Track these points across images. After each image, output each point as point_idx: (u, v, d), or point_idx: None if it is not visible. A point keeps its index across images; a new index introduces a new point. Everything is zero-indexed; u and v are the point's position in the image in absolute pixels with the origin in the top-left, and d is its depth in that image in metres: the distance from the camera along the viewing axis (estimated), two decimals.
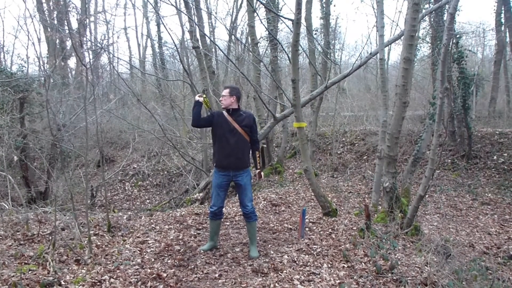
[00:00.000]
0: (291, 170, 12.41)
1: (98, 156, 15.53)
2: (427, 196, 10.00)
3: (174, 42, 11.30)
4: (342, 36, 22.91)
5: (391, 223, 6.50)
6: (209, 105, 5.53)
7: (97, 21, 23.86)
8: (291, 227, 6.54)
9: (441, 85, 5.81)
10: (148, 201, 13.35)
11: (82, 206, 8.34)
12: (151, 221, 6.53)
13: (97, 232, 5.69)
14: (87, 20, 20.84)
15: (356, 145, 14.04)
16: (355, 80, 26.86)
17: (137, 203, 13.28)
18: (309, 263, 4.92)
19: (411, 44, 6.00)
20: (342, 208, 8.36)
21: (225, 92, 5.05)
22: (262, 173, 5.51)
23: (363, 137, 14.31)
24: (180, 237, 5.76)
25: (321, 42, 12.89)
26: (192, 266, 4.67)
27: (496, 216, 9.11)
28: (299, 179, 11.31)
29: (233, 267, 4.78)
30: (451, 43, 8.53)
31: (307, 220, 6.82)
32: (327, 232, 6.19)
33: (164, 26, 9.07)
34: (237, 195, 5.31)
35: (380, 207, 7.31)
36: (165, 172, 14.34)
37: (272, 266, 4.76)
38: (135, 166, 15.02)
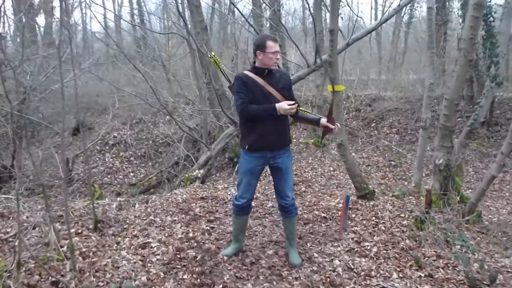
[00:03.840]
0: (295, 140, 11.06)
1: (74, 124, 13.89)
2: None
3: None
4: None
5: (445, 208, 5.32)
6: (220, 65, 4.08)
7: None
8: (324, 215, 5.27)
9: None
10: (132, 174, 11.89)
11: (58, 190, 6.87)
12: (148, 210, 5.13)
13: (80, 231, 4.27)
14: None
15: (362, 111, 12.77)
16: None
17: (120, 176, 11.80)
18: (372, 272, 3.68)
19: None
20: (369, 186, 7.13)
21: (277, 45, 3.58)
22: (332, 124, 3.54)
23: (369, 102, 13.04)
24: (191, 234, 4.40)
25: None
26: (220, 285, 3.36)
27: None
28: (306, 150, 10.02)
29: (274, 283, 3.49)
30: None
31: (340, 205, 5.57)
32: (373, 222, 4.97)
33: None
34: (274, 182, 3.94)
35: (425, 187, 6.09)
36: (150, 142, 12.80)
37: (326, 278, 3.53)
38: (116, 134, 13.40)
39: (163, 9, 21.57)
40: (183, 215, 5.01)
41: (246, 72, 3.66)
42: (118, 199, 5.55)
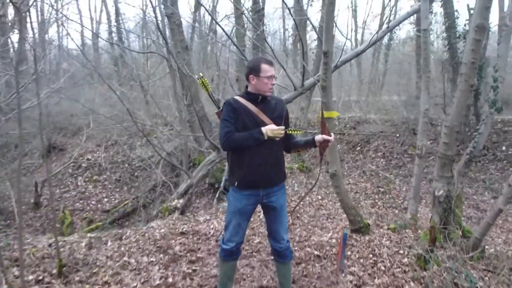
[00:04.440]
0: None
1: (45, 145, 13.16)
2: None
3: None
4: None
5: (447, 244, 4.93)
6: (209, 88, 3.63)
7: None
8: (317, 252, 4.80)
9: None
10: (105, 199, 11.23)
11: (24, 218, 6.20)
12: (122, 249, 4.58)
13: (41, 277, 3.71)
14: None
15: (347, 134, 12.47)
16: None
17: (93, 202, 11.14)
18: None
19: (488, 6, 4.35)
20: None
21: (273, 69, 3.17)
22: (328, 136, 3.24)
23: (354, 125, 12.76)
24: (170, 280, 3.89)
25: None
26: None
27: None
28: (291, 175, 9.59)
29: None
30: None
31: (333, 240, 5.14)
32: (371, 261, 4.53)
33: None
34: (266, 223, 3.47)
35: (425, 222, 5.73)
36: (126, 165, 12.19)
37: None
38: (89, 157, 12.75)
39: (142, 27, 21.17)
40: (162, 255, 4.49)
41: (237, 97, 3.22)
42: (88, 235, 4.96)
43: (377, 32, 7.26)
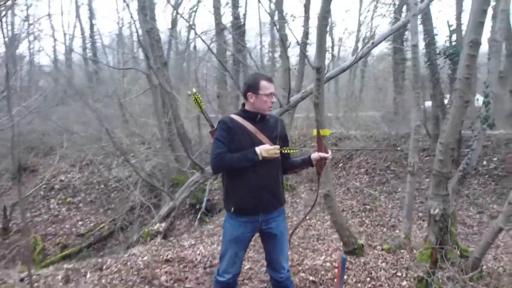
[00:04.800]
0: None
1: (15, 165, 12.56)
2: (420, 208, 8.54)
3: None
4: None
5: (445, 264, 4.76)
6: (202, 106, 3.36)
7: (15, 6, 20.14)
8: (312, 278, 4.54)
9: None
10: (80, 223, 10.72)
11: None
12: (103, 281, 4.22)
13: None
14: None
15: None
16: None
17: (66, 226, 10.62)
18: None
19: (481, 22, 4.27)
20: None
21: (272, 86, 2.96)
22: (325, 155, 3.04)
23: (335, 141, 12.65)
24: None
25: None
26: None
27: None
28: None
29: None
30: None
31: (327, 264, 4.90)
32: (369, 285, 4.32)
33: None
34: (265, 251, 3.21)
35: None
36: (102, 186, 11.70)
37: None
38: (63, 178, 12.20)
39: (118, 43, 20.78)
40: (147, 286, 4.15)
41: (233, 116, 2.98)
42: (65, 266, 4.58)
43: (362, 48, 7.21)
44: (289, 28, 6.77)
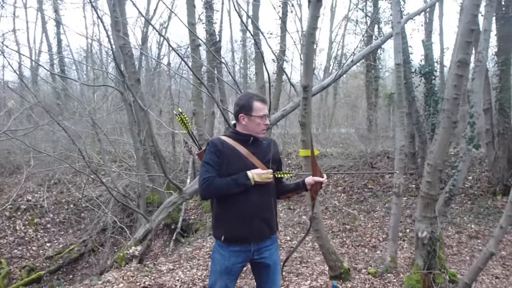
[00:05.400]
0: None
1: None
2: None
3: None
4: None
5: None
6: (189, 126, 3.15)
7: None
8: None
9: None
10: (48, 244, 10.18)
11: None
12: None
13: None
14: None
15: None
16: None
17: (33, 248, 10.06)
18: None
19: (469, 41, 4.25)
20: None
21: (266, 107, 2.78)
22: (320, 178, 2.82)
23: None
24: None
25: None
26: None
27: None
28: None
29: None
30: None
31: None
32: None
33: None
34: (257, 283, 2.98)
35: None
36: (71, 206, 11.19)
37: None
38: (30, 197, 11.61)
39: (86, 59, 20.29)
40: None
41: (223, 137, 2.78)
42: None
43: (342, 67, 7.16)
44: (268, 45, 6.63)
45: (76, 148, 10.29)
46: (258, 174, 2.64)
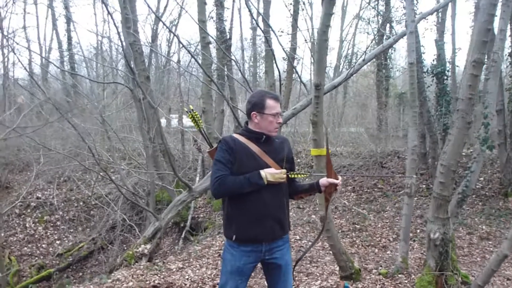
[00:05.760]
0: None
1: None
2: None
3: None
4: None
5: None
6: (200, 124, 3.12)
7: None
8: None
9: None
10: (58, 242, 10.24)
11: None
12: None
13: None
14: None
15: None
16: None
17: (43, 245, 10.13)
18: None
19: (485, 41, 4.17)
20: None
21: (279, 105, 2.74)
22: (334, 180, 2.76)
23: None
24: None
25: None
26: None
27: None
28: None
29: None
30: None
31: None
32: None
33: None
34: (268, 285, 2.95)
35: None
36: (81, 203, 11.24)
37: None
38: (40, 195, 11.68)
39: (96, 56, 20.36)
40: None
41: (235, 135, 2.74)
42: None
43: (353, 66, 7.11)
44: (279, 42, 6.60)
45: (85, 146, 10.40)
46: (271, 173, 2.60)
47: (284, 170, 2.66)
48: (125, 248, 9.60)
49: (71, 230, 10.54)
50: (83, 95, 9.90)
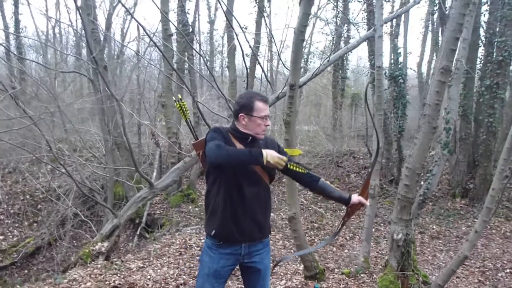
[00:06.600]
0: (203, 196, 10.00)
1: None
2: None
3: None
4: None
5: None
6: (187, 114, 2.99)
7: None
8: None
9: None
10: (1, 237, 9.62)
11: None
12: None
13: None
14: None
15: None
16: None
17: None
18: None
19: (453, 49, 4.30)
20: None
21: (267, 107, 2.66)
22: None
23: None
24: None
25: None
26: None
27: (451, 252, 8.07)
28: None
29: None
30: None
31: None
32: None
33: None
34: (245, 287, 2.89)
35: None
36: (28, 196, 10.63)
37: None
38: None
39: (46, 42, 19.33)
40: None
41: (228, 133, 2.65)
42: None
43: (319, 66, 7.16)
44: (245, 38, 6.52)
45: (33, 135, 9.82)
46: (273, 156, 2.46)
47: (285, 158, 2.54)
48: (76, 244, 9.21)
49: (16, 225, 9.93)
50: (35, 81, 9.26)
